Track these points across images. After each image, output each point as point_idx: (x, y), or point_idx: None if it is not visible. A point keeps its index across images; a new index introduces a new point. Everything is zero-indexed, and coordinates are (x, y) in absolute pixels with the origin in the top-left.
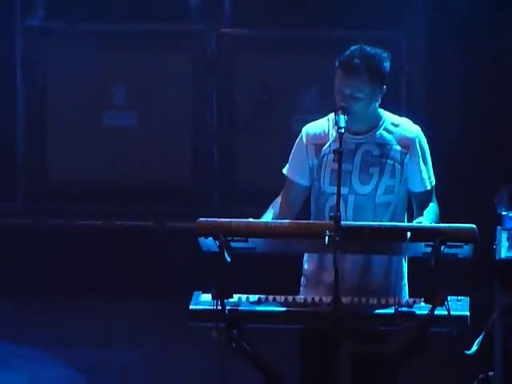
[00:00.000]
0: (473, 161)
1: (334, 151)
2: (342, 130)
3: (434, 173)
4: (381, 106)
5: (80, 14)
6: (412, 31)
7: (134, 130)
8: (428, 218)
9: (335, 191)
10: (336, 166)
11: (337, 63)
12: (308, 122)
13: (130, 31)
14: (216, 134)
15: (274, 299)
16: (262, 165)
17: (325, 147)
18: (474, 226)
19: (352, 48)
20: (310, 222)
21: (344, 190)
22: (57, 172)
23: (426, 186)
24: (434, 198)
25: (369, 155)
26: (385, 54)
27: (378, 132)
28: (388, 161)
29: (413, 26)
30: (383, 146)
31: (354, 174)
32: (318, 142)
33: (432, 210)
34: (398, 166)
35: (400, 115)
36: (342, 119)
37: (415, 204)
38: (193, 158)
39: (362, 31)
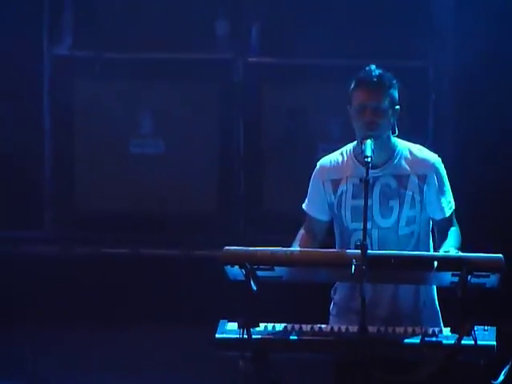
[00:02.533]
0: (500, 189)
1: (360, 180)
2: (369, 159)
3: (460, 198)
4: (407, 136)
5: (107, 42)
6: (439, 60)
7: (160, 158)
8: (451, 243)
9: (358, 227)
10: (355, 202)
11: (354, 84)
12: (334, 150)
13: (156, 60)
14: (242, 162)
15: (301, 328)
16: (288, 192)
17: (341, 184)
18: (500, 256)
19: (364, 69)
20: (336, 250)
21: (367, 225)
22: (83, 200)
23: (445, 214)
24: (455, 221)
25: (387, 188)
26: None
27: (394, 162)
28: (407, 192)
29: (440, 55)
30: (400, 177)
31: (374, 208)
32: (334, 178)
33: (454, 234)
34: (417, 196)
35: (427, 145)
36: (369, 147)
37: (436, 229)
38: (219, 186)
39: (388, 60)
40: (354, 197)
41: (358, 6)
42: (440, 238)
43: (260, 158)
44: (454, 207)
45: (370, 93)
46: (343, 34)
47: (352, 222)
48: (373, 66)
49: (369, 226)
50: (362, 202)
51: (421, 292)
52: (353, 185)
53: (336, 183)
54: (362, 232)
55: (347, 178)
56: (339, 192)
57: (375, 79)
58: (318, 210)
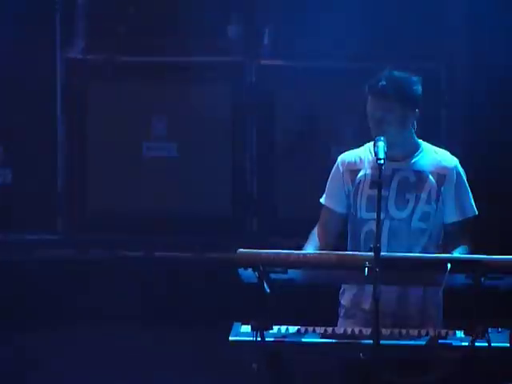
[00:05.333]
0: None
1: (374, 182)
2: (382, 161)
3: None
4: (420, 138)
5: (120, 45)
6: (452, 61)
7: (173, 160)
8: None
9: (371, 217)
10: (373, 192)
11: (366, 89)
12: (350, 151)
13: (169, 63)
14: (255, 165)
15: (314, 330)
16: (302, 195)
17: (360, 173)
18: None
19: (378, 74)
20: (350, 253)
21: (380, 219)
22: (97, 203)
23: (464, 215)
24: (469, 234)
25: (406, 181)
26: (415, 78)
27: (416, 159)
28: (425, 187)
29: (452, 56)
30: (420, 173)
31: (390, 200)
32: (353, 168)
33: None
34: (434, 194)
35: (439, 147)
36: (382, 150)
37: (447, 236)
38: (232, 189)
39: (402, 62)
40: (371, 186)
41: (370, 8)
42: (451, 243)
43: (273, 160)
44: (476, 213)
45: (375, 103)
46: (356, 37)
47: (366, 211)
48: (385, 73)
49: (382, 215)
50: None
51: (428, 293)
52: (371, 175)
53: (355, 173)
54: (374, 222)
55: (366, 168)
56: (357, 181)
57: (381, 89)
58: (335, 201)
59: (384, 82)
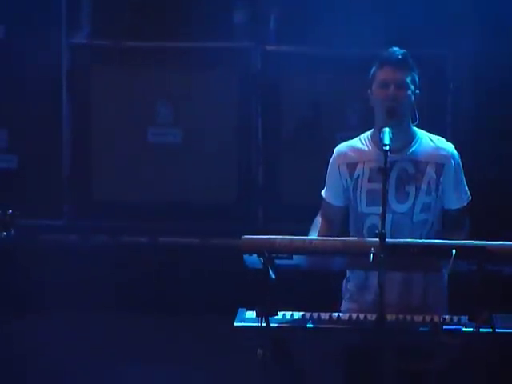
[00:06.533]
0: None
1: (379, 169)
2: (387, 148)
3: (478, 192)
4: (425, 126)
5: (125, 31)
6: (458, 48)
7: (178, 146)
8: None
9: (372, 212)
10: (372, 186)
11: (377, 64)
12: (352, 139)
13: (175, 48)
14: (261, 151)
15: (319, 316)
16: (307, 182)
17: (358, 167)
18: None
19: (388, 50)
20: (355, 239)
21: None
22: (102, 189)
23: (461, 203)
24: (467, 215)
25: (404, 173)
26: None
27: (413, 149)
28: (424, 178)
29: (459, 43)
30: (418, 163)
31: (390, 193)
32: (350, 162)
33: (463, 233)
34: (433, 183)
35: (446, 136)
36: (387, 135)
37: (448, 220)
38: (237, 175)
39: (407, 48)
40: (370, 180)
41: None
42: (449, 231)
43: (278, 147)
44: (470, 198)
45: (395, 70)
46: (361, 23)
47: (367, 205)
48: (395, 49)
49: None
50: (378, 186)
51: (431, 280)
52: (370, 169)
53: (353, 167)
54: (376, 217)
55: (364, 162)
56: (356, 175)
57: (400, 57)
58: (333, 195)
59: (401, 54)
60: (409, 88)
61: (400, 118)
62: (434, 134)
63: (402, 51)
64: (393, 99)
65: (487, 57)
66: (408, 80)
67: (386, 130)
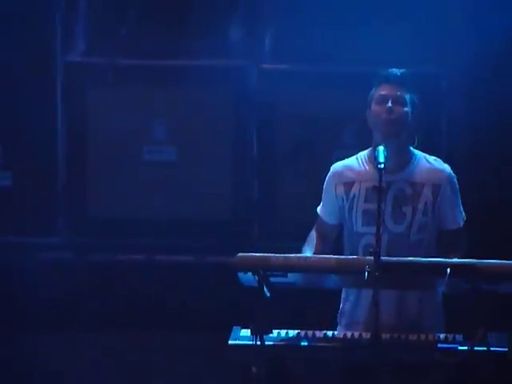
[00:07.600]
0: None
1: (374, 187)
2: (382, 166)
3: (474, 209)
4: (420, 145)
5: (120, 49)
6: (453, 66)
7: (174, 164)
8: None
9: (368, 231)
10: (368, 206)
11: (377, 82)
12: (348, 157)
13: (170, 66)
14: (256, 169)
15: (314, 335)
16: (302, 199)
17: (354, 187)
18: None
19: (387, 69)
20: (350, 257)
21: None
22: (97, 206)
23: (458, 224)
24: (465, 234)
25: (401, 194)
26: None
27: (410, 169)
28: (421, 198)
29: (454, 61)
30: (415, 184)
31: (386, 213)
32: (346, 181)
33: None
34: (430, 204)
35: (440, 155)
36: (382, 154)
37: (444, 243)
38: (232, 193)
39: (403, 66)
40: (366, 200)
41: (371, 12)
42: (445, 251)
43: (274, 164)
44: (465, 219)
45: (394, 87)
46: (357, 41)
47: (362, 225)
48: (395, 69)
49: (379, 230)
50: (373, 206)
51: (425, 299)
52: (366, 189)
53: (349, 186)
54: (371, 236)
55: (361, 182)
56: (351, 195)
57: (399, 74)
58: (328, 213)
59: (401, 71)
60: (407, 105)
61: (397, 132)
62: (429, 154)
63: (402, 70)
64: (390, 112)
65: (482, 74)
66: (407, 98)
67: (381, 148)
